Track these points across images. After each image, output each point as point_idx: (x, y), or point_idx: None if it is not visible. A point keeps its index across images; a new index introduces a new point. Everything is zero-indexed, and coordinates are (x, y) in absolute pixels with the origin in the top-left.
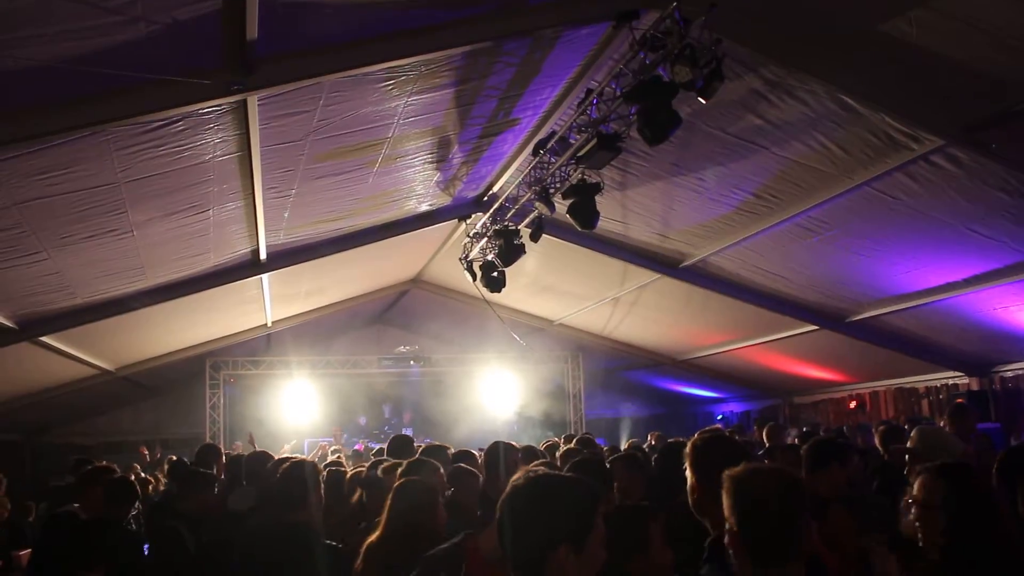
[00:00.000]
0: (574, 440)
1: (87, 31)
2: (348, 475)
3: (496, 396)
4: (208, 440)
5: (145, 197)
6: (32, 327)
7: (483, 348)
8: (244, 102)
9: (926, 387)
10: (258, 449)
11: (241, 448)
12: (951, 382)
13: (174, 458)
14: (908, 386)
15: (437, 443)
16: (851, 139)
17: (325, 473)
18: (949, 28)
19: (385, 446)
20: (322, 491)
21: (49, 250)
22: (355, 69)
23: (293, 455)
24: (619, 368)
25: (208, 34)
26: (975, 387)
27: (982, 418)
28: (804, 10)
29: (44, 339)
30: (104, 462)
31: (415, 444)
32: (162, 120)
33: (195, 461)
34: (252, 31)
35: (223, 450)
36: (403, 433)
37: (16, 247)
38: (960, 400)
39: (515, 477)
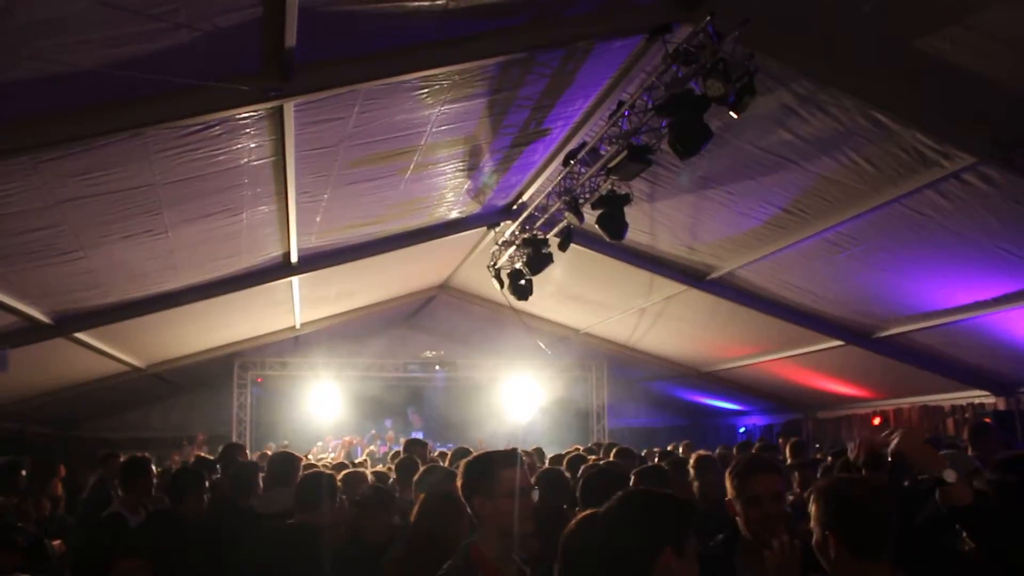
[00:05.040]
0: (613, 451)
1: (131, 37)
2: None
3: (520, 403)
4: (235, 439)
5: (181, 199)
6: (67, 323)
7: (508, 355)
8: (280, 108)
9: (951, 405)
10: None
11: (273, 451)
12: (977, 401)
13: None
14: (933, 404)
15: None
16: (881, 155)
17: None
18: (984, 46)
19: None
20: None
21: (87, 249)
22: (390, 77)
23: (320, 456)
24: (643, 378)
25: (248, 41)
26: (1002, 407)
27: (1009, 439)
28: (837, 26)
29: (78, 335)
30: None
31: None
32: (200, 124)
33: (220, 459)
34: (291, 39)
35: (247, 451)
36: (416, 437)
37: (55, 245)
38: (986, 419)
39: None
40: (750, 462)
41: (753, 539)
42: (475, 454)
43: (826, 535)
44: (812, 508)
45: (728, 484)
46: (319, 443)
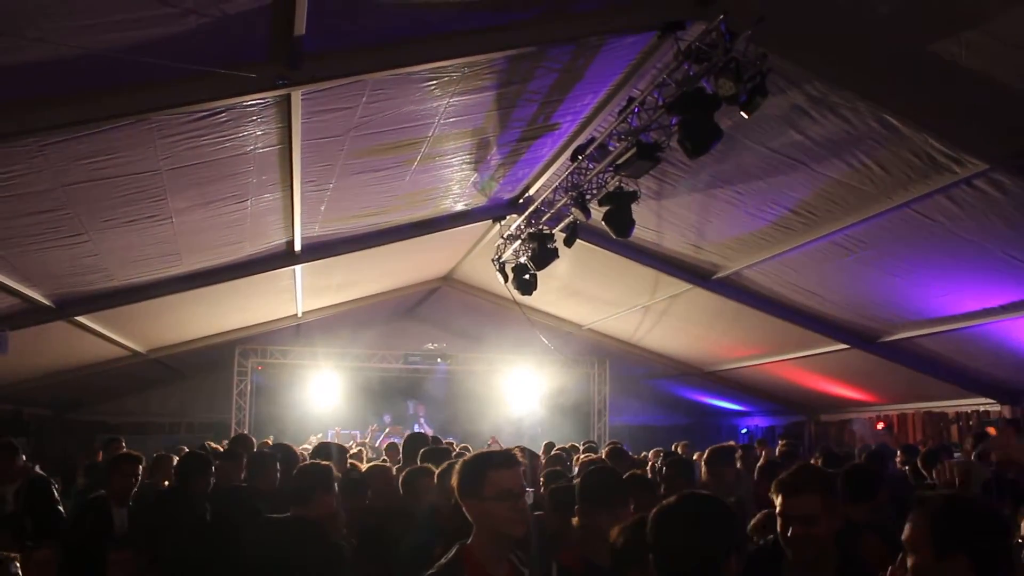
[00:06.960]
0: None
1: (139, 22)
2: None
3: (520, 397)
4: (234, 427)
5: (185, 185)
6: (69, 306)
7: (510, 349)
8: (288, 96)
9: (956, 412)
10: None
11: (271, 443)
12: (982, 408)
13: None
14: (938, 410)
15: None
16: (892, 159)
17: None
18: (999, 52)
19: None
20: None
21: (90, 232)
22: (399, 68)
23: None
24: (646, 376)
25: (257, 28)
26: (1007, 415)
27: None
28: (852, 28)
29: (80, 319)
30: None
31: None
32: (207, 111)
33: (232, 448)
34: (300, 27)
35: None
36: (418, 431)
37: (59, 228)
38: (990, 428)
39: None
40: (793, 478)
41: (794, 557)
42: (469, 455)
43: (952, 556)
44: (921, 525)
45: (773, 495)
46: (314, 436)
